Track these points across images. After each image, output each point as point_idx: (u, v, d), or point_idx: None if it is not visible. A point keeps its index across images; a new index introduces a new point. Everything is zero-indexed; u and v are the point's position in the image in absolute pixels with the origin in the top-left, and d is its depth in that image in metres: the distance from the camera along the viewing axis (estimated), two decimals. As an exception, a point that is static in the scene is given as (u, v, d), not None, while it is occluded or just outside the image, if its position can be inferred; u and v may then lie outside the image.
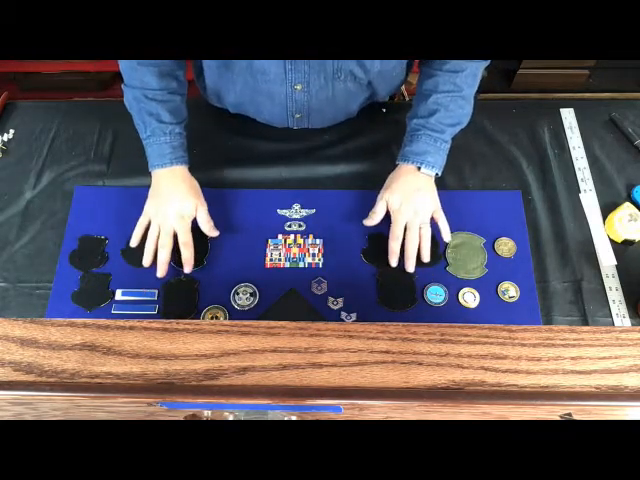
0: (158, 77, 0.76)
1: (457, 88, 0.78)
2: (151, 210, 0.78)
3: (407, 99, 1.06)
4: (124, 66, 0.78)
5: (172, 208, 0.76)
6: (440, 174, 0.80)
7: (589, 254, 0.80)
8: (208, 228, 0.79)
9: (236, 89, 0.84)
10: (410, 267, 0.77)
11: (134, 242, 0.78)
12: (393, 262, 0.77)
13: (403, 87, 1.03)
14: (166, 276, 0.77)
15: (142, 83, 0.77)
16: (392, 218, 0.79)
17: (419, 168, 0.79)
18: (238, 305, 0.75)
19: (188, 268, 0.76)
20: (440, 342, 0.40)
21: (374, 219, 0.79)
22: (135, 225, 0.78)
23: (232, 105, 0.89)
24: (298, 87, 0.81)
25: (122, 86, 0.80)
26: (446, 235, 0.79)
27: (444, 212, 0.80)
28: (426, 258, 0.78)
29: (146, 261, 0.76)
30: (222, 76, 0.83)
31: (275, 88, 0.81)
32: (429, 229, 0.78)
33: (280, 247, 0.80)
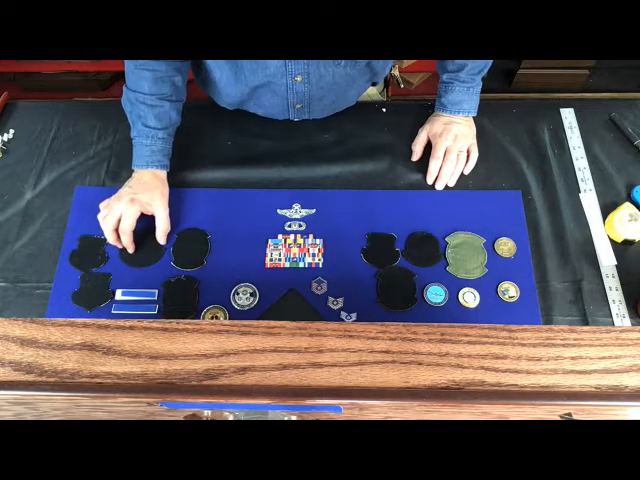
0: (151, 82, 0.78)
1: None
2: (113, 196, 0.80)
3: (402, 85, 1.07)
4: (127, 69, 0.80)
5: (127, 194, 0.78)
6: (475, 114, 0.89)
7: (589, 254, 0.80)
8: (162, 231, 0.80)
9: (236, 82, 0.84)
10: (439, 186, 0.86)
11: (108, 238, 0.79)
12: (429, 180, 0.87)
13: (398, 73, 1.04)
14: (166, 276, 0.77)
15: (136, 86, 0.79)
16: (433, 143, 0.88)
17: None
18: (238, 305, 0.75)
19: (130, 250, 0.79)
20: (440, 342, 0.40)
21: (417, 150, 0.89)
22: (135, 225, 0.78)
23: (231, 100, 0.89)
24: (298, 78, 0.81)
25: (123, 87, 0.82)
26: (468, 169, 0.87)
27: (443, 212, 0.82)
28: (452, 182, 0.86)
29: (107, 236, 0.79)
30: (222, 69, 0.83)
31: (275, 80, 0.82)
32: (465, 157, 0.87)
33: (280, 247, 0.80)
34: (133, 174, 0.81)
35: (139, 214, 0.78)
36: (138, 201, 0.77)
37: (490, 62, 0.87)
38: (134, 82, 0.79)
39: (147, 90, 0.79)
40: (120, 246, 0.79)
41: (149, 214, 0.79)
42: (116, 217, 0.77)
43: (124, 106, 0.82)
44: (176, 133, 0.84)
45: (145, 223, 0.82)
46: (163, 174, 0.82)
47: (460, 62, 0.85)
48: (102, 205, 0.80)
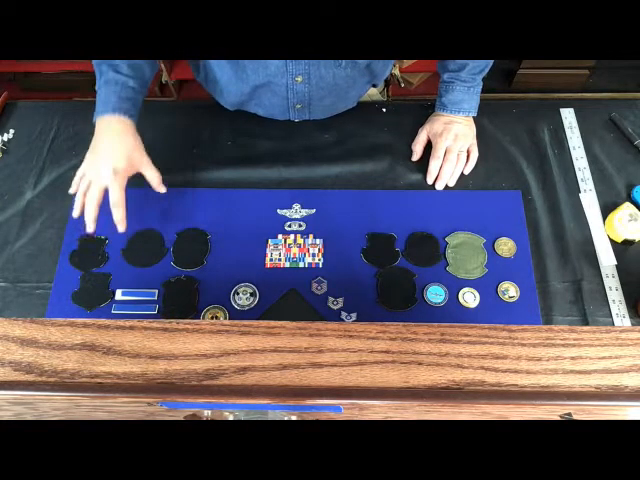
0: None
1: None
2: (86, 166, 0.75)
3: (402, 85, 1.07)
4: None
5: (106, 163, 0.73)
6: (476, 114, 0.89)
7: (589, 254, 0.80)
8: (158, 182, 0.77)
9: (237, 81, 0.84)
10: (439, 186, 0.86)
11: (75, 212, 0.74)
12: (429, 180, 0.86)
13: (399, 73, 1.04)
14: (166, 276, 0.77)
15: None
16: (433, 143, 0.88)
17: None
18: (238, 305, 0.75)
19: (121, 227, 0.73)
20: (440, 342, 0.40)
21: (417, 150, 0.89)
22: (135, 225, 0.78)
23: (233, 99, 0.89)
24: (299, 79, 0.81)
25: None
26: (468, 169, 0.87)
27: (443, 212, 0.82)
28: (452, 182, 0.86)
29: (75, 212, 0.74)
30: (223, 69, 0.83)
31: (276, 80, 0.82)
32: (465, 157, 0.87)
33: (280, 247, 0.80)
34: (96, 127, 0.75)
35: (126, 182, 0.74)
36: (122, 170, 0.73)
37: (491, 62, 0.87)
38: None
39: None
40: (76, 216, 0.74)
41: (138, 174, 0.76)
42: (101, 191, 0.72)
43: (93, 62, 0.78)
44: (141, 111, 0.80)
45: (145, 223, 0.82)
46: (132, 125, 0.76)
47: (461, 62, 0.85)
48: (78, 176, 0.75)
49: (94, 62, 0.78)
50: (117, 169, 0.72)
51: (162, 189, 0.78)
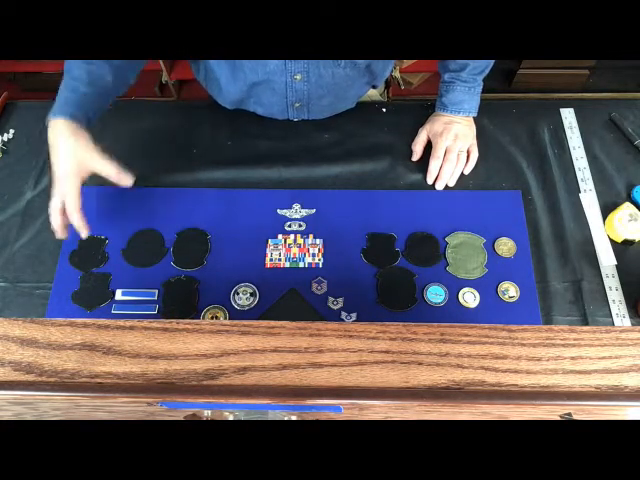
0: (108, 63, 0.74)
1: None
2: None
3: (402, 87, 1.07)
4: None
5: (57, 170, 0.71)
6: (476, 115, 0.89)
7: (589, 254, 0.80)
8: (114, 173, 0.73)
9: (235, 80, 0.84)
10: (439, 186, 0.86)
11: (60, 234, 0.73)
12: (429, 180, 0.86)
13: (398, 75, 1.04)
14: (166, 276, 0.77)
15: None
16: (433, 143, 0.88)
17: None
18: (238, 305, 0.75)
19: (82, 234, 0.73)
20: (440, 342, 0.40)
21: (417, 150, 0.89)
22: (134, 226, 0.78)
23: (232, 98, 0.89)
24: (298, 77, 0.81)
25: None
26: (468, 169, 0.87)
27: (443, 212, 0.82)
28: (452, 182, 0.86)
29: (60, 235, 0.73)
30: (221, 67, 0.83)
31: (275, 78, 0.82)
32: (465, 157, 0.87)
33: (280, 247, 0.80)
34: (48, 132, 0.73)
35: (80, 185, 0.71)
36: (69, 173, 0.70)
37: (492, 63, 0.87)
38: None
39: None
40: (63, 236, 0.74)
41: (93, 174, 0.73)
42: (60, 201, 0.71)
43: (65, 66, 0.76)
44: (113, 102, 0.79)
45: (145, 223, 0.82)
46: (74, 124, 0.72)
47: (462, 62, 0.85)
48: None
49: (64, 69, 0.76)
50: (64, 173, 0.71)
51: (126, 181, 0.73)
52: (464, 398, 0.37)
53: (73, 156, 0.71)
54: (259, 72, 0.81)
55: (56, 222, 0.72)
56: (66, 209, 0.71)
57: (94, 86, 0.74)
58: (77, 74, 0.74)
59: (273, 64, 0.79)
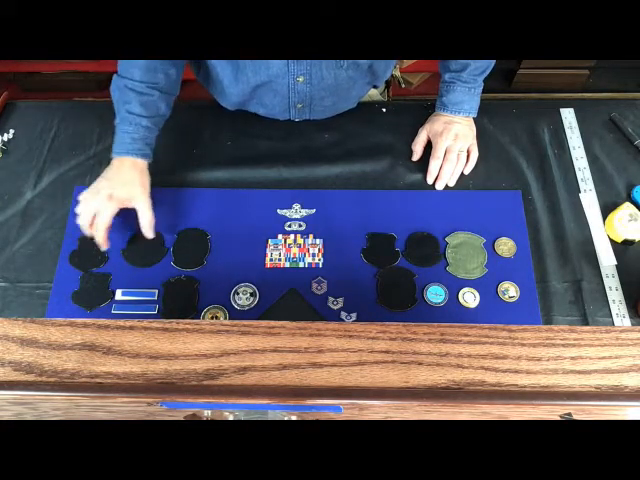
0: (143, 70, 0.76)
1: None
2: (90, 188, 0.77)
3: (403, 85, 1.07)
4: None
5: (104, 189, 0.75)
6: (476, 115, 0.89)
7: (589, 254, 0.79)
8: (146, 224, 0.77)
9: (237, 82, 0.84)
10: (439, 186, 0.86)
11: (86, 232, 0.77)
12: (429, 180, 0.87)
13: (399, 74, 1.04)
14: (166, 276, 0.77)
15: (127, 73, 0.77)
16: (433, 143, 0.88)
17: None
18: (238, 305, 0.75)
19: (103, 248, 0.77)
20: (440, 342, 0.40)
21: (417, 150, 0.89)
22: (135, 226, 0.78)
23: (234, 99, 0.89)
24: (300, 79, 0.82)
25: (114, 75, 0.79)
26: (468, 169, 0.87)
27: (443, 212, 0.82)
28: (452, 182, 0.86)
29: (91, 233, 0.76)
30: (224, 69, 0.83)
31: (277, 80, 0.82)
32: (465, 157, 0.87)
33: (280, 247, 0.80)
34: (112, 162, 0.78)
35: (117, 211, 0.75)
36: (116, 198, 0.75)
37: (493, 63, 0.87)
38: (125, 69, 0.77)
39: (138, 78, 0.76)
40: (107, 246, 0.77)
41: (130, 208, 0.77)
42: (91, 213, 0.75)
43: (112, 93, 0.79)
44: (163, 126, 0.82)
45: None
46: (144, 164, 0.78)
47: (463, 62, 0.85)
48: (80, 198, 0.77)
49: (113, 99, 0.79)
50: (113, 195, 0.75)
51: (150, 234, 0.78)
52: (464, 398, 0.37)
53: (129, 186, 0.76)
54: (262, 74, 0.81)
55: (100, 237, 0.76)
56: (95, 223, 0.75)
57: (153, 117, 0.79)
58: (134, 108, 0.77)
59: (276, 66, 0.79)
